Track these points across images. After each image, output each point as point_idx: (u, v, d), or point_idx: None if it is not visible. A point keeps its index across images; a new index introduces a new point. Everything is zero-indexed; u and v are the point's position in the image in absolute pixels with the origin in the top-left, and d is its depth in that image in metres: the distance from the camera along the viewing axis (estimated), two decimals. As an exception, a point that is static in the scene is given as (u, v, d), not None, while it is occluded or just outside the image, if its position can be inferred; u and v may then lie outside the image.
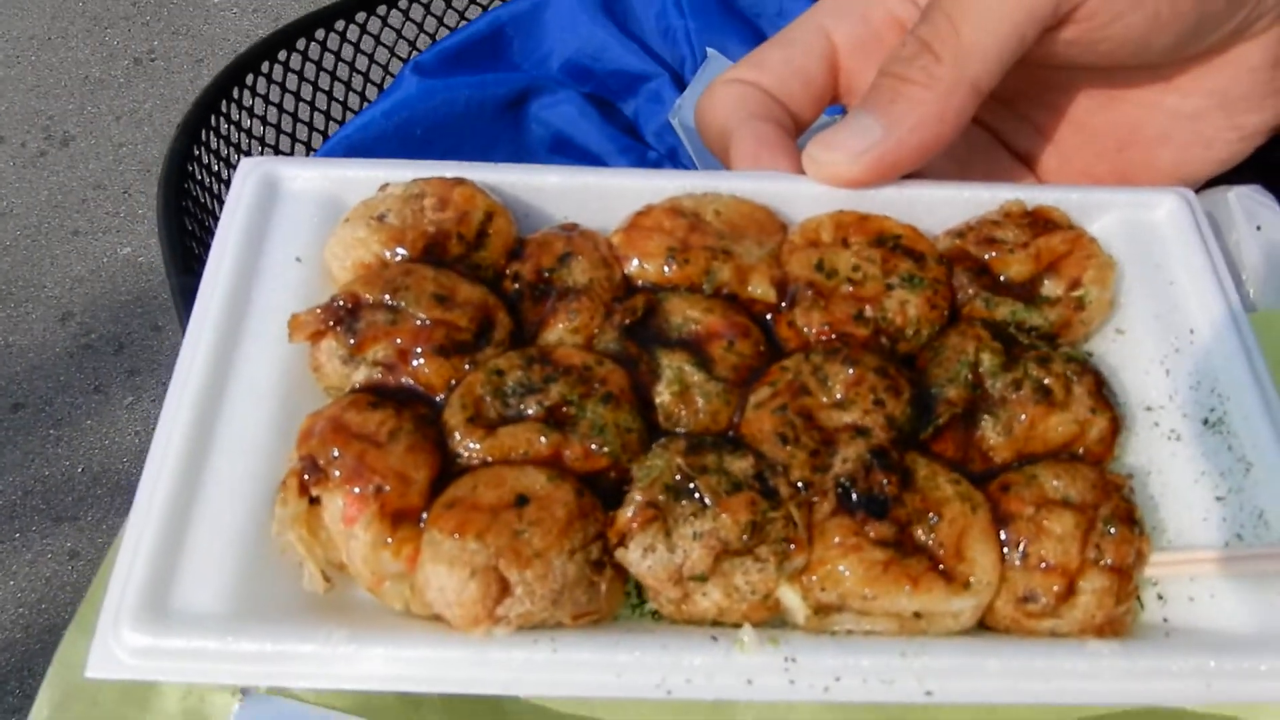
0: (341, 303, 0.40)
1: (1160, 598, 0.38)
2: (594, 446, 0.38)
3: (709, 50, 0.69)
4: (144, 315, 2.33)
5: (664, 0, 0.74)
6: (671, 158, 0.70)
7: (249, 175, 0.45)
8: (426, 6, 0.82)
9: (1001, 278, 0.43)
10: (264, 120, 0.77)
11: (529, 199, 0.47)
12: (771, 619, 0.37)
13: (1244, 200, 0.50)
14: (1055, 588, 0.35)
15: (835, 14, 0.50)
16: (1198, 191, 0.51)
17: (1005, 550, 0.36)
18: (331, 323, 0.40)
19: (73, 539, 1.94)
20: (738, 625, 0.36)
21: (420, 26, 0.83)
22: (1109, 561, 0.35)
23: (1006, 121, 0.54)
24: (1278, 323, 0.48)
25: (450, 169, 0.45)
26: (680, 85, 0.72)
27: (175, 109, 2.75)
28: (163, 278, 2.37)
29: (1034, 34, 0.44)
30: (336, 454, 0.36)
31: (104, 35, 3.04)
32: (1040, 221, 0.44)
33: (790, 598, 0.36)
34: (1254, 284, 0.49)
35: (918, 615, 0.36)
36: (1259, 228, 0.49)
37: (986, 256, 0.44)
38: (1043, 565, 0.36)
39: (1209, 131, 0.50)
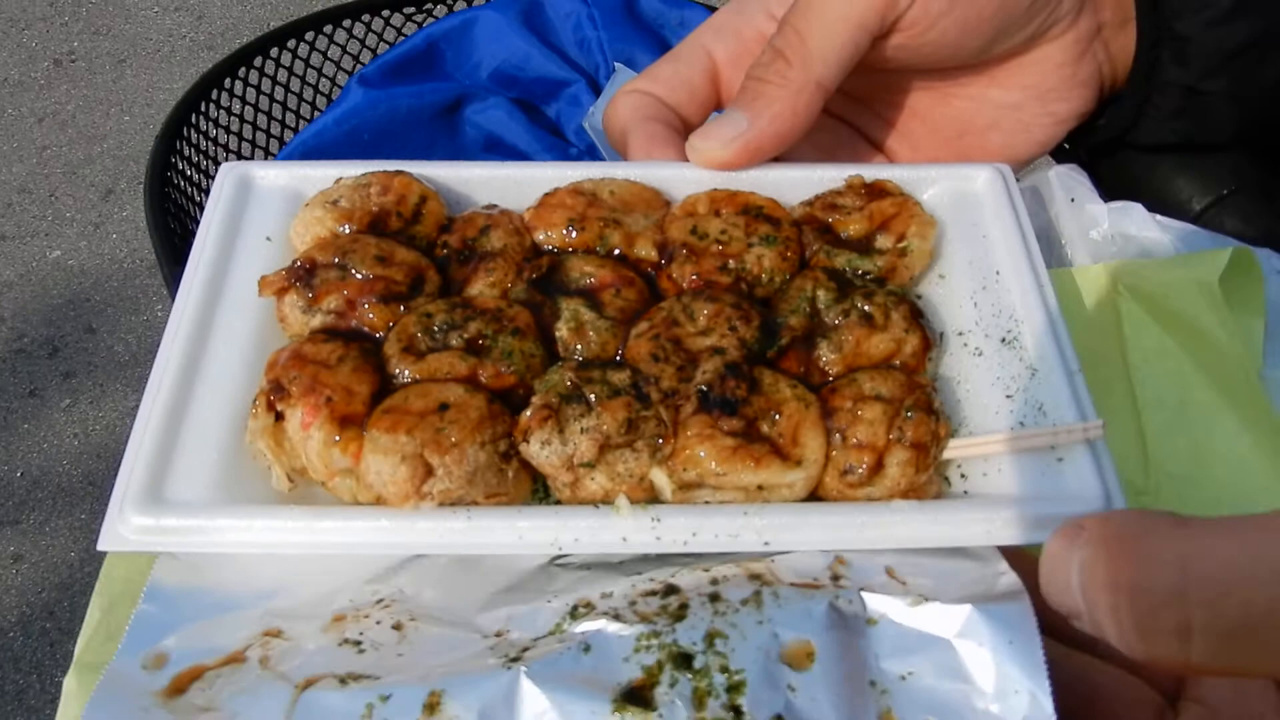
0: (301, 264, 0.52)
1: (963, 476, 0.49)
2: (504, 368, 0.49)
3: (616, 64, 0.82)
4: (77, 318, 2.41)
5: (579, 15, 0.87)
6: (590, 153, 0.82)
7: (228, 175, 0.58)
8: (368, 25, 0.96)
9: (842, 235, 0.55)
10: (228, 130, 0.90)
11: (459, 189, 0.59)
12: (647, 498, 0.47)
13: (1062, 177, 0.63)
14: (867, 461, 0.46)
15: (715, 34, 0.63)
16: (1023, 171, 0.63)
17: (831, 436, 0.47)
18: (293, 280, 0.52)
19: (15, 543, 2.00)
20: (620, 505, 0.47)
21: (363, 43, 0.97)
22: (909, 439, 0.46)
23: (863, 117, 0.67)
24: (1088, 275, 0.60)
25: (393, 165, 0.57)
26: (595, 89, 0.85)
27: (99, 110, 2.87)
28: (95, 279, 2.47)
29: (867, 41, 0.56)
30: (295, 375, 0.48)
31: (21, 37, 3.14)
32: (876, 191, 0.56)
33: (660, 478, 0.47)
34: (1069, 245, 0.61)
35: (760, 488, 0.46)
36: (1073, 200, 0.62)
37: (830, 219, 0.56)
38: (857, 444, 0.47)
39: (1028, 119, 0.63)
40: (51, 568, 1.96)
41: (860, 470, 0.46)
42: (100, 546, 0.46)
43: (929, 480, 0.47)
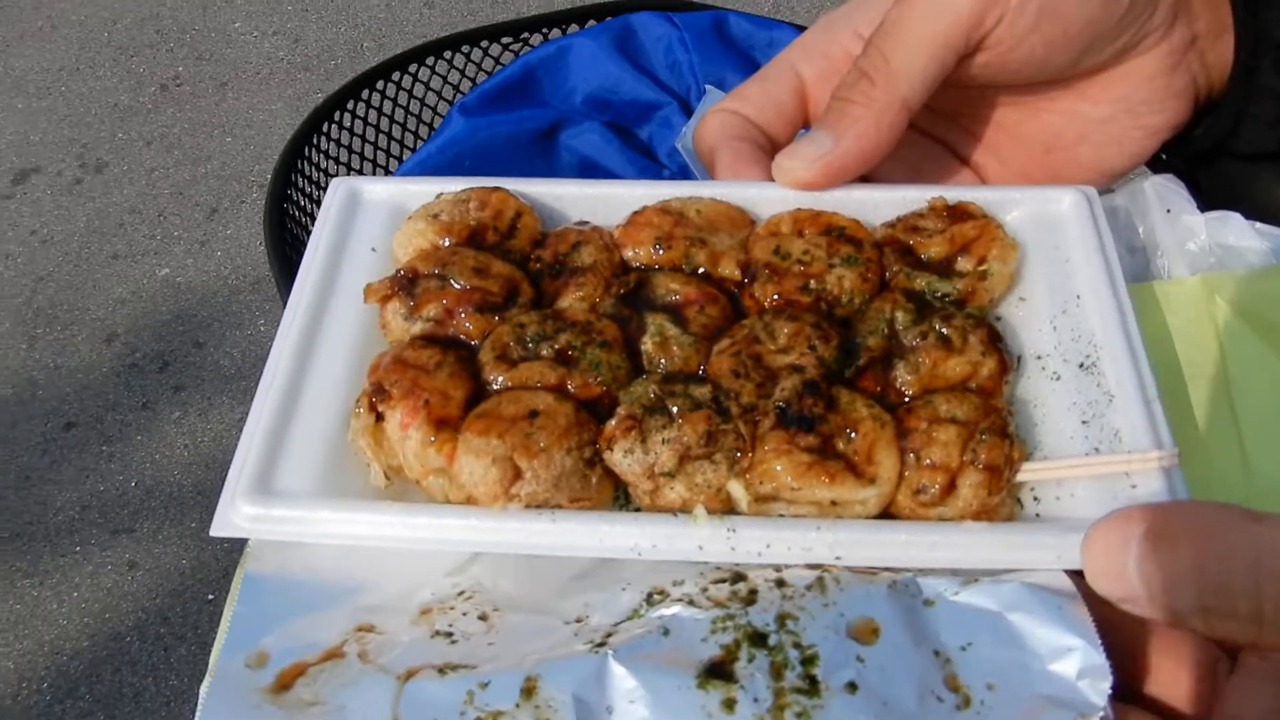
0: (404, 274, 0.56)
1: (1036, 499, 0.49)
2: (591, 379, 0.52)
3: (707, 86, 0.85)
4: (185, 333, 2.54)
5: (670, 38, 0.91)
6: (683, 174, 0.85)
7: (338, 189, 0.62)
8: (468, 55, 1.02)
9: (923, 257, 0.56)
10: (338, 158, 0.96)
11: (553, 204, 0.62)
12: (724, 509, 0.49)
13: (1158, 188, 0.63)
14: (940, 481, 0.47)
15: (802, 53, 0.66)
16: (1117, 183, 0.63)
17: (904, 456, 0.49)
18: (396, 289, 0.56)
19: (130, 550, 2.10)
20: (697, 514, 0.49)
21: (463, 73, 1.03)
22: (983, 462, 0.47)
23: (950, 133, 0.68)
24: (1185, 287, 0.60)
25: (491, 181, 0.61)
26: (687, 111, 0.88)
27: (203, 132, 3.03)
28: (201, 296, 2.60)
29: (952, 60, 0.58)
30: (396, 379, 0.51)
31: (130, 64, 3.33)
32: (958, 213, 0.57)
33: (737, 490, 0.49)
34: (1165, 257, 0.61)
35: (834, 503, 0.48)
36: (1169, 210, 0.61)
37: (912, 241, 0.57)
38: (930, 464, 0.48)
39: (1119, 132, 0.63)
40: (164, 574, 2.07)
41: (933, 490, 0.48)
42: (213, 532, 0.50)
43: (1001, 502, 0.48)
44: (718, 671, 0.43)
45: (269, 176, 3.11)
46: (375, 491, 0.52)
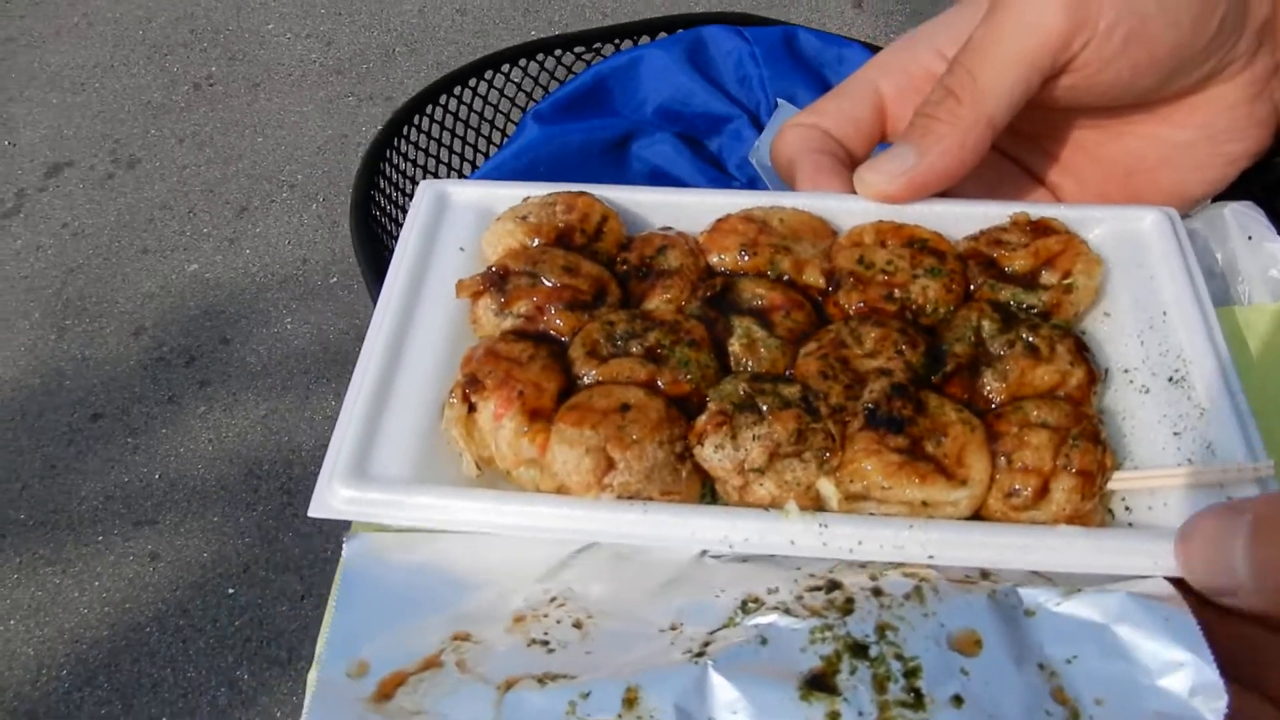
0: (496, 270, 0.57)
1: (1128, 508, 0.50)
2: (680, 376, 0.53)
3: (779, 100, 0.86)
4: (212, 329, 2.56)
5: (741, 52, 0.92)
6: (752, 186, 0.87)
7: (426, 190, 0.64)
8: (541, 63, 1.04)
9: (1007, 270, 0.58)
10: (414, 163, 0.98)
11: (635, 211, 0.64)
12: (813, 507, 0.50)
13: (1238, 215, 0.64)
14: (1032, 485, 0.48)
15: (883, 70, 0.67)
16: (1196, 209, 0.64)
17: (996, 460, 0.49)
18: (488, 285, 0.57)
19: (153, 542, 2.12)
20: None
21: (536, 80, 1.05)
22: (1076, 467, 0.48)
23: (1032, 155, 0.69)
24: (1266, 313, 0.60)
25: (576, 187, 0.63)
26: (756, 125, 0.90)
27: (234, 131, 3.07)
28: (229, 292, 2.62)
29: (1038, 81, 0.59)
30: (490, 370, 0.52)
31: (164, 62, 3.37)
32: (1042, 228, 0.58)
33: (826, 487, 0.50)
34: (1247, 283, 0.62)
35: (924, 503, 0.49)
36: (1250, 237, 0.62)
37: (996, 255, 0.58)
38: (1023, 467, 0.49)
39: (1200, 158, 0.64)
40: (186, 567, 2.08)
41: (1025, 493, 0.48)
42: (311, 513, 0.51)
43: (1094, 509, 0.49)
44: (819, 683, 0.43)
45: (299, 177, 3.14)
46: (466, 480, 0.53)
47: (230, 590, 2.05)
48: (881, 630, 0.44)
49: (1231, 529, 0.34)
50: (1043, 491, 0.48)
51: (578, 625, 0.47)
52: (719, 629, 0.46)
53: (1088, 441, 0.49)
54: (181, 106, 3.23)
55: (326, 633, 0.49)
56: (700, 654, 0.44)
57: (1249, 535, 0.33)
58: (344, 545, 0.52)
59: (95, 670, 1.94)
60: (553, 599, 0.49)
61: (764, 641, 0.44)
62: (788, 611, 0.45)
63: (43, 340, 2.53)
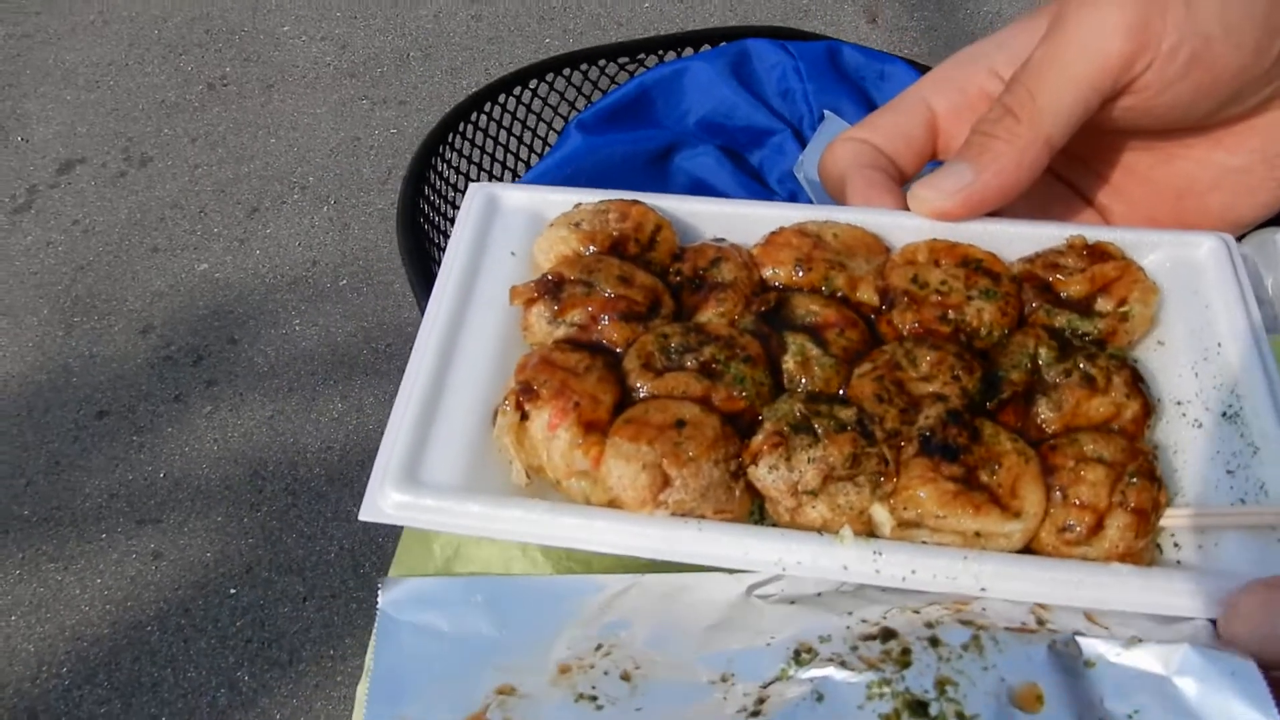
0: (550, 278, 0.57)
1: (1176, 545, 0.50)
2: (736, 392, 0.53)
3: (825, 112, 0.87)
4: (220, 329, 2.56)
5: (784, 66, 0.92)
6: (793, 200, 0.86)
7: (476, 194, 0.64)
8: (585, 73, 1.04)
9: (1062, 295, 0.57)
10: (457, 170, 0.98)
11: (688, 221, 0.64)
12: (864, 532, 0.50)
13: (1286, 241, 0.64)
14: (1087, 521, 0.48)
15: (935, 88, 0.67)
16: (1245, 234, 0.64)
17: (1050, 493, 0.49)
18: (542, 293, 0.57)
19: (155, 540, 2.11)
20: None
21: (579, 90, 1.05)
22: (1131, 505, 0.48)
23: (1082, 176, 0.69)
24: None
25: (629, 195, 0.62)
26: (799, 139, 0.90)
27: (247, 132, 3.08)
28: (238, 293, 2.62)
29: (1097, 102, 0.59)
30: (545, 379, 0.52)
31: (178, 61, 3.38)
32: (1098, 253, 0.58)
33: (880, 513, 0.50)
34: (1294, 310, 0.62)
35: (978, 534, 0.48)
36: (1299, 263, 0.62)
37: (1051, 279, 0.58)
38: (1078, 503, 0.48)
39: (1254, 182, 0.63)
40: (188, 566, 2.07)
41: (1079, 529, 0.48)
42: (362, 517, 0.51)
43: (1145, 547, 0.49)
44: None
45: (310, 179, 3.14)
46: (515, 489, 0.53)
47: (232, 590, 2.04)
48: (941, 685, 0.43)
49: (1275, 607, 0.33)
50: (1097, 528, 0.48)
51: (625, 677, 0.47)
52: (771, 682, 0.45)
53: (1144, 479, 0.49)
54: (195, 106, 3.23)
55: (367, 688, 0.48)
56: (755, 713, 0.43)
57: None
58: (379, 594, 0.52)
59: (95, 668, 1.93)
60: (598, 646, 0.48)
61: (820, 698, 0.43)
62: (843, 664, 0.45)
63: (50, 336, 2.52)
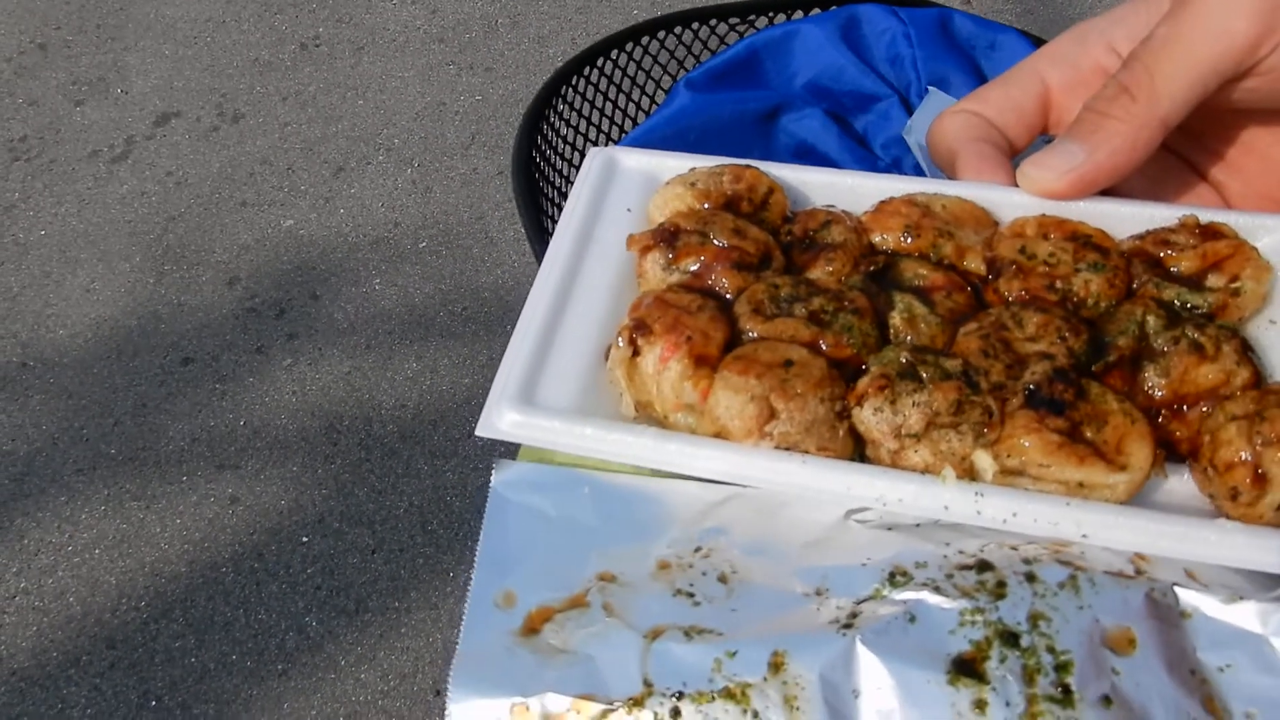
0: (667, 227, 0.61)
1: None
2: (843, 340, 0.56)
3: (930, 87, 0.88)
4: (303, 284, 2.66)
5: (894, 32, 0.94)
6: (896, 166, 0.89)
7: (595, 157, 0.68)
8: (695, 32, 1.08)
9: (1172, 270, 0.59)
10: (567, 123, 1.03)
11: (799, 189, 0.67)
12: (966, 477, 0.53)
13: None
14: (1245, 478, 0.49)
15: (1050, 61, 0.68)
16: None
17: (1206, 473, 0.50)
18: (658, 240, 0.61)
19: (234, 486, 2.21)
20: (939, 480, 0.52)
21: (690, 49, 1.09)
22: (1277, 437, 0.48)
23: (1196, 152, 0.70)
24: None
25: (742, 161, 0.66)
26: (906, 107, 0.92)
27: (336, 93, 3.18)
28: (322, 250, 2.72)
29: (1216, 84, 0.60)
30: (659, 315, 0.56)
31: (273, 20, 3.49)
32: (1210, 232, 0.60)
33: (983, 459, 0.52)
34: None
35: (1081, 485, 0.51)
36: None
37: (1161, 254, 0.60)
38: (1228, 466, 0.49)
39: None
40: (263, 512, 2.17)
41: (1244, 493, 0.49)
42: (478, 433, 0.55)
43: None
44: (968, 669, 0.43)
45: (395, 141, 3.23)
46: (623, 420, 0.57)
47: (304, 539, 2.14)
48: (1034, 620, 0.45)
49: None
50: (1260, 480, 0.48)
51: (723, 580, 0.50)
52: (865, 599, 0.47)
53: (1275, 409, 0.49)
54: (287, 65, 3.34)
55: (477, 561, 0.52)
56: (848, 625, 0.46)
57: None
58: (493, 474, 0.56)
59: (172, 604, 2.04)
60: (697, 549, 0.51)
61: (912, 619, 0.46)
62: (937, 589, 0.47)
63: (141, 284, 2.65)
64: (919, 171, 0.89)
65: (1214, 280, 0.59)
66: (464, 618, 0.49)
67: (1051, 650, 0.44)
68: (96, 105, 3.17)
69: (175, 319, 2.56)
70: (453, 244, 2.72)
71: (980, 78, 0.94)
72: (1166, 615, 0.46)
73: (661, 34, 1.06)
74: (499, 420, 0.55)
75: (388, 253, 2.72)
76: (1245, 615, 0.45)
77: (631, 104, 1.11)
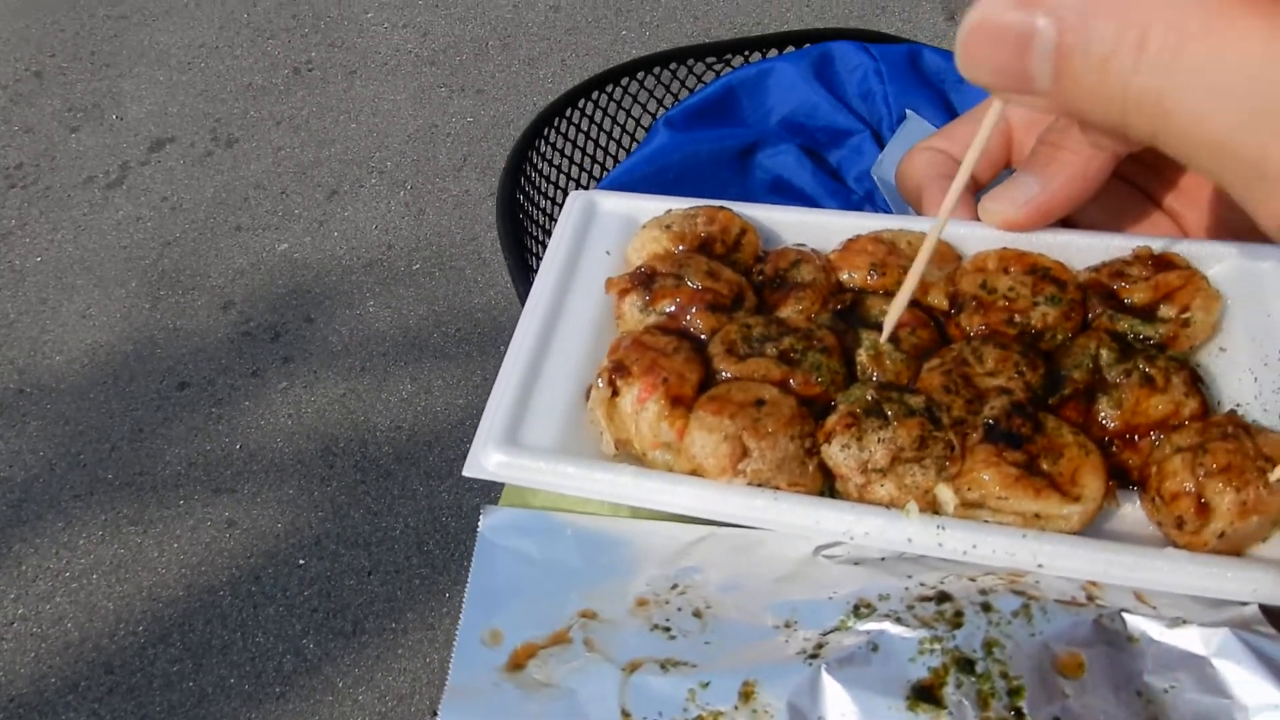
0: (644, 270, 0.63)
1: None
2: (812, 378, 0.58)
3: (908, 111, 0.91)
4: (298, 307, 2.69)
5: (866, 69, 0.97)
6: (869, 199, 0.92)
7: (576, 200, 0.71)
8: (674, 72, 1.11)
9: (1126, 301, 0.62)
10: (550, 163, 1.06)
11: (770, 228, 0.69)
12: (929, 510, 0.55)
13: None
14: (1189, 507, 0.51)
15: None
16: None
17: (1152, 501, 0.53)
18: (636, 283, 0.63)
19: (230, 509, 2.23)
20: (903, 513, 0.55)
21: (668, 88, 1.12)
22: (1217, 468, 0.50)
23: (1153, 183, 0.73)
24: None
25: (716, 203, 0.68)
26: (878, 140, 0.95)
27: (329, 116, 3.22)
28: (316, 273, 2.76)
29: None
30: (637, 357, 0.58)
31: (266, 45, 3.54)
32: (1163, 262, 0.62)
33: (945, 493, 0.55)
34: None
35: (1037, 516, 0.53)
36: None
37: (1115, 286, 0.62)
38: (1171, 498, 0.51)
39: None
40: (260, 535, 2.19)
41: (1189, 521, 0.51)
42: (465, 473, 0.58)
43: (1270, 490, 0.50)
44: (927, 695, 0.46)
45: (388, 164, 3.26)
46: (605, 459, 0.59)
47: (301, 561, 2.16)
48: (989, 647, 0.47)
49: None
50: (1204, 509, 0.51)
51: (697, 615, 0.52)
52: (831, 630, 0.50)
53: (1217, 442, 0.52)
54: (280, 89, 3.38)
55: (465, 601, 0.55)
56: (814, 655, 0.48)
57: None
58: (480, 519, 0.58)
59: (169, 629, 2.06)
60: (674, 586, 0.54)
61: (875, 648, 0.48)
62: (899, 620, 0.49)
63: (138, 308, 2.68)
64: (889, 204, 0.92)
65: (1166, 311, 0.61)
66: (453, 654, 0.52)
67: (1005, 676, 0.47)
68: (92, 132, 3.21)
69: (171, 344, 2.59)
70: (446, 265, 2.75)
71: (950, 111, 0.97)
72: (1114, 640, 0.48)
73: (641, 74, 1.10)
74: (486, 461, 0.58)
75: (381, 275, 2.74)
76: (1189, 639, 0.47)
77: (613, 142, 1.14)
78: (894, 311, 0.58)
